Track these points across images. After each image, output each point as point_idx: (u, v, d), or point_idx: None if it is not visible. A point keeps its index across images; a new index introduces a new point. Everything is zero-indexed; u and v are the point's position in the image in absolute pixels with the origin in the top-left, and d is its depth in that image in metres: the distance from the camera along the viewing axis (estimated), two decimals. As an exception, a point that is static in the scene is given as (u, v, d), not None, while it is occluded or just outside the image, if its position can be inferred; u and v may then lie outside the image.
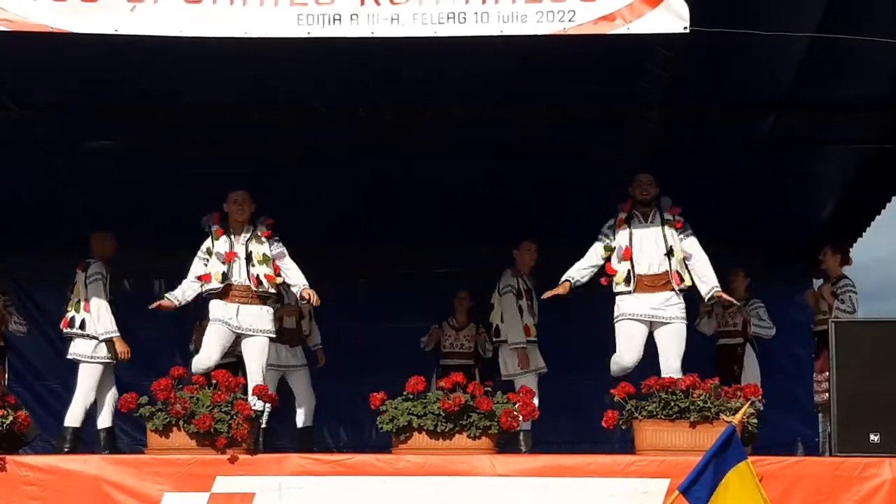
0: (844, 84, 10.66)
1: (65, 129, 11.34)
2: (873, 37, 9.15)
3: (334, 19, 8.51)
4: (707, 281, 9.98)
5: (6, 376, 11.96)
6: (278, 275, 10.06)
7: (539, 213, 12.13)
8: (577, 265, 10.08)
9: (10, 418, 9.41)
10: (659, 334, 9.94)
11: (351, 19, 8.51)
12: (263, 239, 10.08)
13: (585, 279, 10.08)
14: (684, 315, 9.95)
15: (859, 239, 13.19)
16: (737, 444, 8.77)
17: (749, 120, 11.30)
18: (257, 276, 10.02)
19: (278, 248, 10.12)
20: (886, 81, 10.60)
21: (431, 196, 12.13)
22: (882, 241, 14.72)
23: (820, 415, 12.14)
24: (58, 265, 13.16)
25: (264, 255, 10.06)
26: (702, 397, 9.17)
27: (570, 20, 8.47)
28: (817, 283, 13.34)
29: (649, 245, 9.96)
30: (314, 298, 9.96)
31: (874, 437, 9.11)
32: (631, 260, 9.94)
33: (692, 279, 9.97)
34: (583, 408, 11.98)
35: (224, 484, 8.97)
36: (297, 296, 10.17)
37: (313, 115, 10.96)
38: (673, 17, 8.47)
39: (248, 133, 11.20)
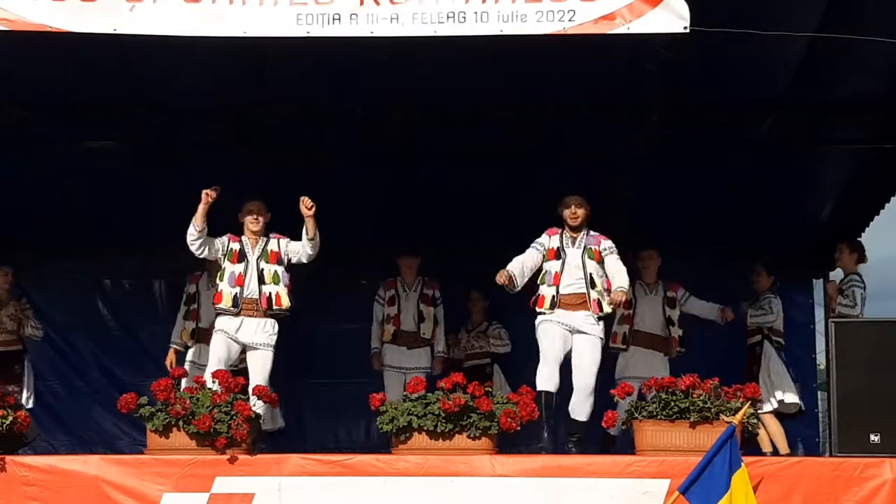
0: (844, 84, 10.64)
1: (64, 130, 11.32)
2: (873, 37, 9.14)
3: (333, 19, 8.52)
4: (617, 280, 10.06)
5: (27, 378, 11.97)
6: (290, 292, 10.12)
7: (540, 213, 12.10)
8: (520, 267, 10.16)
9: (10, 418, 9.41)
10: (576, 345, 10.04)
11: (350, 19, 8.52)
12: (272, 258, 10.12)
13: (522, 282, 10.18)
14: (601, 333, 10.09)
15: (857, 239, 13.14)
16: (736, 449, 8.77)
17: (749, 120, 11.28)
18: (268, 294, 10.05)
19: (286, 243, 10.20)
20: (886, 81, 10.58)
21: (432, 197, 12.11)
22: (883, 241, 14.72)
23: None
24: (57, 266, 13.20)
25: (275, 273, 10.08)
26: (702, 398, 9.16)
27: (570, 20, 8.48)
28: (817, 283, 13.38)
29: (572, 269, 10.09)
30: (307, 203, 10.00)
31: (874, 438, 9.12)
32: (558, 286, 10.08)
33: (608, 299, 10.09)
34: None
35: (223, 484, 8.97)
36: (305, 236, 10.14)
37: (313, 115, 10.95)
38: (673, 17, 8.48)
39: (247, 133, 11.19)
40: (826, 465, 9.11)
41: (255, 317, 10.06)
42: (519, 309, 12.43)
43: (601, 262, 10.12)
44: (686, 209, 11.95)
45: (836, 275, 12.20)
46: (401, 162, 11.63)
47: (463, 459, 9.06)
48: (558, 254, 10.14)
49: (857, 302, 11.13)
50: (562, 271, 10.09)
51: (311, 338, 13.17)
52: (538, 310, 10.11)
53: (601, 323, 10.10)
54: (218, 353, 10.03)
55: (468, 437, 9.19)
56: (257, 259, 10.11)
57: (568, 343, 10.03)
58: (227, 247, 10.14)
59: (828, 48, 9.63)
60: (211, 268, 11.15)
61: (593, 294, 10.04)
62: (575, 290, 10.06)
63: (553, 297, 10.06)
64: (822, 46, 9.65)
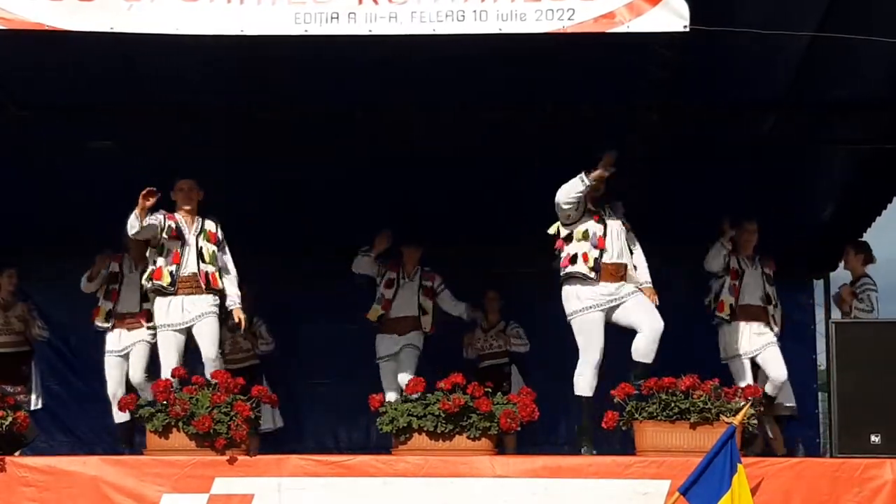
0: (844, 84, 10.63)
1: (65, 130, 11.31)
2: (873, 37, 9.13)
3: (332, 17, 8.53)
4: (640, 275, 10.09)
5: (35, 379, 11.98)
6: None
7: (540, 213, 12.11)
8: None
9: (10, 419, 9.40)
10: (627, 306, 9.97)
11: (349, 17, 8.53)
12: (212, 239, 10.16)
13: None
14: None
15: (863, 240, 13.14)
16: (736, 450, 8.77)
17: (749, 120, 11.27)
18: (206, 273, 10.08)
19: (224, 256, 10.23)
20: (886, 81, 10.57)
21: (431, 197, 12.11)
22: (885, 242, 14.70)
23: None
24: (58, 267, 13.18)
25: (213, 253, 10.12)
26: (702, 398, 9.17)
27: (569, 18, 8.48)
28: (817, 283, 13.37)
29: (616, 236, 10.07)
30: (242, 321, 10.06)
31: (875, 438, 9.12)
32: (602, 249, 10.00)
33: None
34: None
35: (223, 485, 8.97)
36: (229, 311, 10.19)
37: (312, 114, 10.94)
38: (673, 16, 8.47)
39: (246, 133, 11.18)
40: (826, 466, 9.11)
41: (195, 293, 10.07)
42: (533, 308, 12.54)
43: (629, 230, 10.17)
44: (686, 209, 11.93)
45: (839, 276, 12.25)
46: (399, 162, 11.61)
47: (463, 460, 9.07)
48: (602, 219, 10.09)
49: (873, 306, 11.25)
50: (604, 236, 10.01)
51: (311, 338, 13.17)
52: (574, 269, 9.95)
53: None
54: (169, 357, 10.02)
55: (468, 437, 9.19)
56: (196, 236, 10.14)
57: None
58: (165, 223, 10.15)
59: (828, 48, 9.62)
60: (132, 249, 11.07)
61: (630, 261, 10.09)
62: (618, 259, 9.99)
63: (597, 260, 9.95)
64: (822, 46, 9.64)
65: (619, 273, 9.99)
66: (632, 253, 10.17)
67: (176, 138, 11.37)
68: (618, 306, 9.97)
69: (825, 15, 9.44)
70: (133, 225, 9.94)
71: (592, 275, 9.93)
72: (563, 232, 10.10)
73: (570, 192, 9.89)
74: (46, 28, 8.52)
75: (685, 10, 8.44)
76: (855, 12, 9.36)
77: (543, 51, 9.15)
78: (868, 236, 13.16)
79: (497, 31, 8.49)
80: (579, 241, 10.02)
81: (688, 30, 8.47)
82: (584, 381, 9.98)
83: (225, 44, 8.68)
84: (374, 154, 11.53)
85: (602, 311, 9.96)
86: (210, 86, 10.43)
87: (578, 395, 9.99)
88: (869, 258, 11.69)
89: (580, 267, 9.96)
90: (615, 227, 10.08)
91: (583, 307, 9.97)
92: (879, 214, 12.91)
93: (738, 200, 12.16)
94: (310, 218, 12.41)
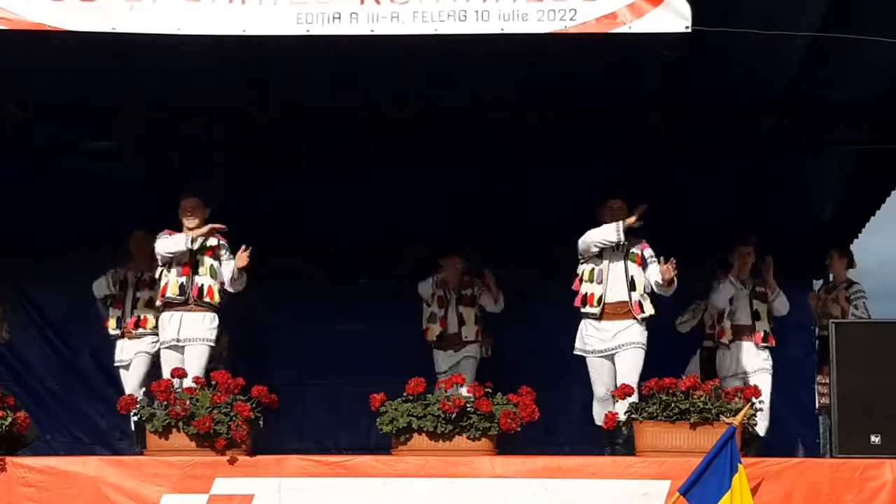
0: (844, 84, 10.65)
1: (64, 131, 11.32)
2: (873, 37, 9.14)
3: (334, 17, 8.53)
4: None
5: None
6: (222, 288, 10.14)
7: (540, 213, 12.14)
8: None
9: (10, 419, 9.39)
10: (619, 358, 10.07)
11: (351, 18, 8.53)
12: (208, 253, 10.14)
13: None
14: (643, 340, 10.08)
15: (855, 241, 13.17)
16: (736, 450, 8.77)
17: (749, 120, 11.29)
18: (200, 285, 10.07)
19: (226, 252, 10.21)
20: (886, 82, 10.58)
21: (432, 197, 12.12)
22: (883, 242, 14.73)
23: (821, 417, 12.17)
24: (57, 266, 13.18)
25: (211, 267, 10.12)
26: (702, 399, 9.17)
27: (571, 19, 8.48)
28: (816, 284, 13.36)
29: (616, 273, 10.12)
30: (243, 257, 9.98)
31: (875, 439, 9.12)
32: (604, 284, 10.10)
33: (652, 302, 10.15)
34: (585, 408, 11.94)
35: (223, 485, 8.96)
36: (231, 276, 10.11)
37: (313, 115, 10.95)
38: (674, 17, 8.48)
39: (247, 133, 11.19)
40: (826, 467, 9.11)
41: (194, 311, 10.08)
42: (533, 307, 12.56)
43: (642, 266, 10.14)
44: (686, 209, 11.94)
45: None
46: (400, 161, 11.63)
47: (463, 460, 9.06)
48: (601, 255, 10.16)
49: (868, 312, 11.37)
50: (606, 273, 10.10)
51: (310, 338, 13.16)
52: (588, 308, 10.10)
53: (644, 326, 10.09)
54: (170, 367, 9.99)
55: (468, 438, 9.19)
56: (195, 251, 10.12)
57: (612, 366, 10.10)
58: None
59: (828, 48, 9.64)
60: (136, 258, 11.08)
61: (634, 296, 10.06)
62: (618, 297, 10.07)
63: (601, 297, 10.08)
64: (822, 46, 9.66)
65: (618, 311, 10.07)
66: (644, 276, 10.19)
67: (175, 138, 11.38)
68: (617, 354, 10.07)
69: (825, 15, 9.46)
70: (179, 245, 10.00)
71: (595, 309, 10.09)
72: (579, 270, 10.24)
73: (602, 238, 10.06)
74: (48, 28, 8.53)
75: (687, 10, 8.44)
76: (855, 12, 9.38)
77: (545, 51, 9.16)
78: (864, 237, 13.21)
79: (499, 32, 8.50)
80: (587, 281, 10.15)
81: (689, 30, 8.48)
82: (595, 412, 10.22)
83: (226, 44, 8.69)
84: (374, 154, 11.53)
85: (602, 357, 10.09)
86: (210, 86, 10.44)
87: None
88: (851, 263, 11.82)
89: (592, 305, 10.10)
90: (617, 262, 10.12)
91: (582, 348, 10.19)
92: (873, 214, 12.92)
93: (739, 200, 12.18)
94: (310, 217, 12.40)
